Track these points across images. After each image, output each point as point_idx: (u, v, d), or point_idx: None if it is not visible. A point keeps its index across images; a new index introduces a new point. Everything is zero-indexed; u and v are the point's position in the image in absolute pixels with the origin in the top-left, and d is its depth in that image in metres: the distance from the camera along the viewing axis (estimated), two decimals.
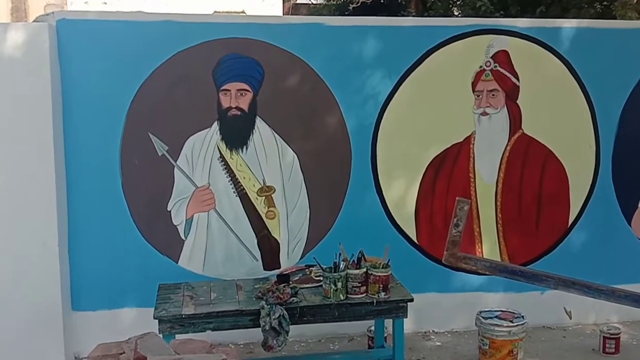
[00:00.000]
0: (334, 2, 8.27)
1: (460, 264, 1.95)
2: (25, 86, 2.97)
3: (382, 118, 3.35)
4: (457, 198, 1.94)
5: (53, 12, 3.12)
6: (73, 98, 3.10)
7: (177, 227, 3.26)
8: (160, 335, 2.38)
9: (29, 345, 3.03)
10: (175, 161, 3.22)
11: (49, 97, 2.99)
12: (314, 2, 9.06)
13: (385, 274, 2.75)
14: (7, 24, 3.17)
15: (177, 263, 3.27)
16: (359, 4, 7.38)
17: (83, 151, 3.13)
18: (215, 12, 8.03)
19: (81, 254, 3.18)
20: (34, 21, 3.22)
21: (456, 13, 7.01)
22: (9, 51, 2.93)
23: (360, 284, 2.74)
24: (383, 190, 3.40)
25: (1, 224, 3.00)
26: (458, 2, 7.00)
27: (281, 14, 9.41)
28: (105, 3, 9.16)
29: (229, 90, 3.22)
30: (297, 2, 9.83)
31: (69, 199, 3.14)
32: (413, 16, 6.82)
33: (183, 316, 2.60)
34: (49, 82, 2.98)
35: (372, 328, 3.16)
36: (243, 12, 8.88)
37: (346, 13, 7.57)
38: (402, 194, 3.43)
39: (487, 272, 2.04)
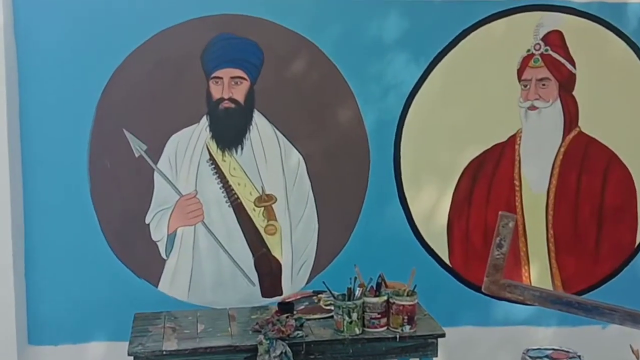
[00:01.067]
0: None
1: (504, 292, 1.91)
2: None
3: (407, 113, 3.33)
4: (499, 213, 1.91)
5: None
6: (31, 86, 3.09)
7: (157, 243, 3.26)
8: None
9: None
10: (156, 164, 3.21)
11: (2, 84, 2.96)
12: None
13: (411, 303, 2.72)
14: None
15: (156, 287, 3.27)
16: None
17: (43, 151, 3.12)
18: None
19: (39, 277, 3.17)
20: None
21: None
22: None
23: (380, 315, 2.72)
24: (408, 200, 3.38)
25: None
26: None
27: None
28: None
29: (221, 78, 3.21)
30: None
31: (26, 210, 3.15)
32: None
33: (164, 352, 2.59)
34: (2, 66, 2.96)
35: None
36: None
37: None
38: (432, 205, 3.41)
39: (536, 303, 2.01)
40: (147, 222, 3.24)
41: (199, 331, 2.76)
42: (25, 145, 3.12)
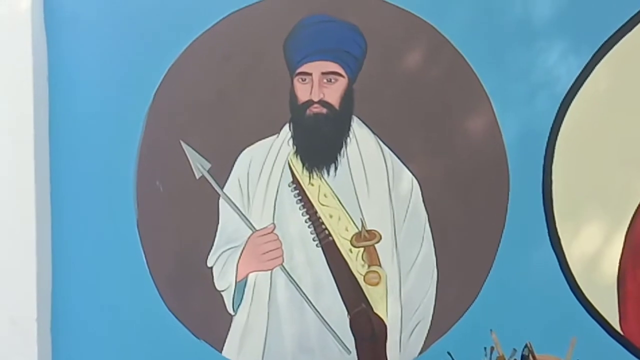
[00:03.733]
0: None
1: None
2: None
3: (562, 121, 3.18)
4: None
5: None
6: (62, 89, 3.19)
7: (222, 293, 3.27)
8: None
9: None
10: (222, 188, 3.23)
11: (29, 89, 3.10)
12: None
13: None
14: None
15: (220, 352, 3.28)
16: None
17: (78, 172, 3.22)
18: None
19: (70, 335, 3.23)
20: None
21: None
22: None
23: None
24: (562, 241, 3.21)
25: None
26: None
27: None
28: None
29: (309, 74, 3.18)
30: None
31: (54, 248, 3.22)
32: None
33: None
34: (30, 63, 3.11)
35: None
36: None
37: None
38: (596, 248, 3.23)
39: None
40: (209, 265, 3.26)
41: None
42: (55, 167, 3.22)
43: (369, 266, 3.25)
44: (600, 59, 3.19)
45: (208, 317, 3.26)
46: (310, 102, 3.19)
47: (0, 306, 3.16)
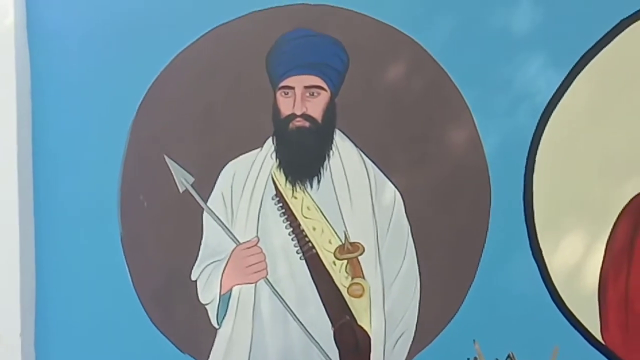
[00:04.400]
0: None
1: None
2: None
3: (542, 133, 3.21)
4: None
5: None
6: (47, 103, 3.20)
7: (207, 307, 3.27)
8: None
9: None
10: (205, 201, 3.24)
11: (12, 103, 3.11)
12: None
13: None
14: None
15: None
16: None
17: (61, 186, 3.22)
18: None
19: (54, 351, 3.24)
20: None
21: None
22: None
23: None
24: (544, 252, 3.24)
25: None
26: None
27: None
28: None
29: (292, 88, 3.19)
30: None
31: (38, 262, 3.22)
32: None
33: None
34: (13, 78, 3.10)
35: None
36: None
37: None
38: (578, 258, 3.25)
39: None
40: (193, 278, 3.26)
41: None
42: (39, 180, 3.22)
43: (352, 278, 3.26)
44: (579, 72, 3.21)
45: (192, 331, 3.26)
46: (293, 116, 3.20)
47: None
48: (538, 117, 3.23)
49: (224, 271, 3.26)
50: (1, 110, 3.11)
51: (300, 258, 3.26)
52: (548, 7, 3.19)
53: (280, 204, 3.25)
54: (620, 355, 3.26)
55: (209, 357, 3.27)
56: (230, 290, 3.27)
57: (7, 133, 3.12)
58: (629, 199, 3.25)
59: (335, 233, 3.25)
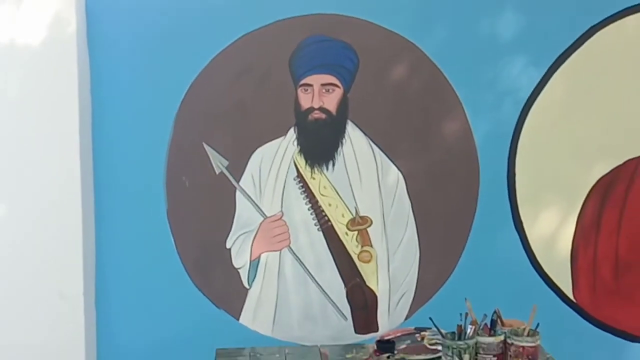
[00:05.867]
0: None
1: None
2: (45, 83, 3.18)
3: (523, 124, 3.42)
4: None
5: None
6: (104, 98, 3.30)
7: (239, 271, 3.44)
8: None
9: None
10: (238, 181, 3.40)
11: (74, 99, 3.18)
12: None
13: (532, 344, 2.78)
14: None
15: (237, 320, 3.45)
16: None
17: (117, 169, 3.32)
18: None
19: (111, 308, 3.39)
20: None
21: None
22: (24, 38, 3.14)
23: (495, 358, 2.81)
24: (524, 224, 3.48)
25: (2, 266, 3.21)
26: None
27: None
28: None
29: (311, 86, 3.36)
30: None
31: (97, 233, 3.34)
32: None
33: None
34: (75, 78, 3.17)
35: None
36: None
37: None
38: (553, 230, 3.49)
39: None
40: (228, 246, 3.41)
41: None
42: (98, 161, 3.30)
43: (362, 246, 3.48)
44: (555, 71, 3.42)
45: (227, 291, 3.42)
46: (311, 109, 3.38)
47: (50, 282, 3.19)
48: (520, 110, 3.44)
49: (253, 240, 3.42)
50: (65, 106, 3.16)
51: (318, 230, 3.46)
52: (528, 17, 3.37)
53: (301, 184, 3.43)
54: (588, 311, 3.53)
55: (241, 313, 3.45)
56: (259, 256, 3.44)
57: (71, 126, 3.16)
58: (597, 180, 3.48)
59: (348, 208, 3.46)
